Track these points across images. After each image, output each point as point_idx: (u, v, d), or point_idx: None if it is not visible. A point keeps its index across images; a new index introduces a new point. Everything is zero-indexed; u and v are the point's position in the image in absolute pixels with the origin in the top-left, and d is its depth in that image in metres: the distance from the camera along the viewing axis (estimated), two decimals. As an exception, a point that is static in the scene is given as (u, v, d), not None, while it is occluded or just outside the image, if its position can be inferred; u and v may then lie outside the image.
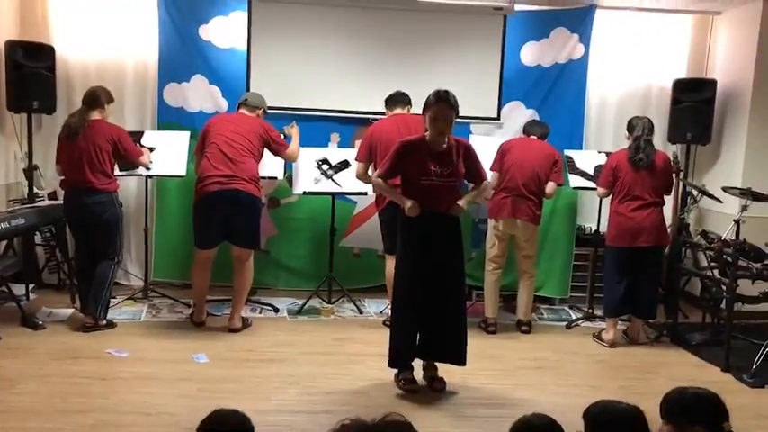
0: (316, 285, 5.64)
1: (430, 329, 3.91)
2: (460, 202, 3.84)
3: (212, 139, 4.74)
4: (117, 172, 4.85)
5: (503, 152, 5.09)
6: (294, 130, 5.24)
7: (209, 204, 4.66)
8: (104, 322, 4.72)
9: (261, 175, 4.94)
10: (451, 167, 3.82)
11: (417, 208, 3.72)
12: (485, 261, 5.21)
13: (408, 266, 3.83)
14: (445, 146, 3.83)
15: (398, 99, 5.09)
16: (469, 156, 3.94)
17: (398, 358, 3.92)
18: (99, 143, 4.59)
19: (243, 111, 4.97)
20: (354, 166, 5.11)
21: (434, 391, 3.90)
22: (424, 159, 3.78)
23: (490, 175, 5.08)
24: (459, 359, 3.93)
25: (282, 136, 5.12)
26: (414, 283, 3.81)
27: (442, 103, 3.74)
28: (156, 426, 3.33)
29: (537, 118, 5.71)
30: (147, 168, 5.11)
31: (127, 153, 4.75)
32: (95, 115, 4.67)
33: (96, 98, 4.68)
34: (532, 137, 5.20)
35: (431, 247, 3.81)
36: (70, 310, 5.07)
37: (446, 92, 3.77)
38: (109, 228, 4.68)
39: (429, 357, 4.00)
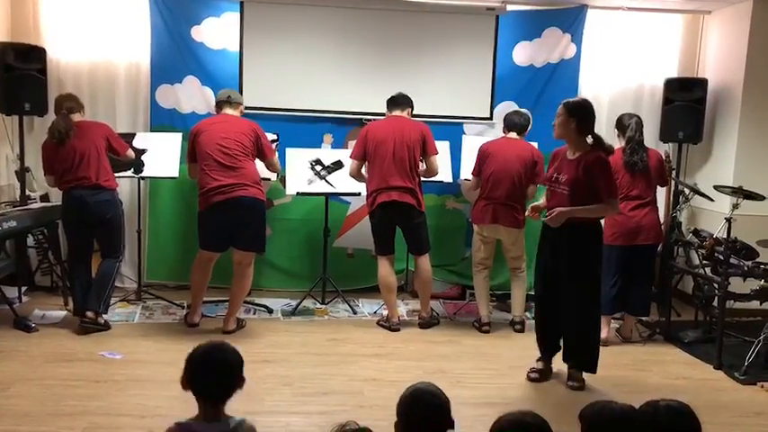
0: (310, 286, 5.65)
1: None
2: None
3: (206, 149, 4.64)
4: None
5: (482, 155, 5.06)
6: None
7: (215, 212, 4.63)
8: (103, 321, 4.72)
9: (256, 176, 4.93)
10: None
11: None
12: (475, 262, 5.24)
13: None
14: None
15: (399, 101, 5.03)
16: None
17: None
18: (96, 141, 4.67)
19: (227, 111, 4.83)
20: (347, 166, 5.11)
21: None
22: None
23: (470, 180, 5.21)
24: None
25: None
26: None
27: None
28: (150, 428, 3.32)
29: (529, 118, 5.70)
30: (132, 166, 5.11)
31: (118, 147, 4.80)
32: (77, 117, 4.73)
33: (71, 105, 4.73)
34: (512, 134, 5.11)
35: None
36: (63, 313, 5.06)
37: None
38: (112, 226, 4.75)
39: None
